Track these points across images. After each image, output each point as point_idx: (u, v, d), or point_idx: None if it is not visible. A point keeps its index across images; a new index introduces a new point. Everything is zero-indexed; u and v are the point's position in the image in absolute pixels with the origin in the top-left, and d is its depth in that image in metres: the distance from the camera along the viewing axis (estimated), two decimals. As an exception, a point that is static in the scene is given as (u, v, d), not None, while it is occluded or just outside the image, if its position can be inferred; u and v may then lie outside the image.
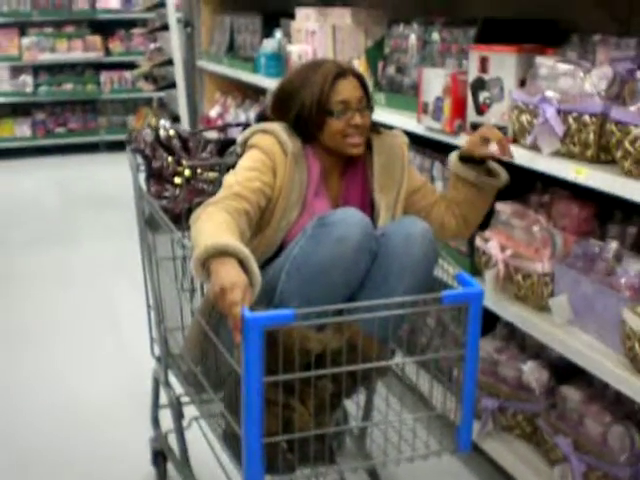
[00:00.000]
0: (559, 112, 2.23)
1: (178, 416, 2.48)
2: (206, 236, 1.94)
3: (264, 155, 2.22)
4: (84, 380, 3.59)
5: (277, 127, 2.25)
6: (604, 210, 2.47)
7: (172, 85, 6.73)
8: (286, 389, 1.91)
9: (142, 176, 2.66)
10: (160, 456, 2.80)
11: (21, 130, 8.79)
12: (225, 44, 5.66)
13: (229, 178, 2.20)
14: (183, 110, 6.50)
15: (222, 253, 1.88)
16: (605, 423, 2.30)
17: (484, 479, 2.79)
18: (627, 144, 2.00)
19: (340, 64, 2.30)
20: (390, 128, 2.47)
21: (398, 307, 1.95)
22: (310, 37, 4.16)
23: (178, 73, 6.50)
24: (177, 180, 2.65)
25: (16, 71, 8.74)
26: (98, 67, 9.05)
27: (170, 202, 2.61)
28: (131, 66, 8.67)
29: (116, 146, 8.49)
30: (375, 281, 2.08)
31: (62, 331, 4.16)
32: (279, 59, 4.59)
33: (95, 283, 4.83)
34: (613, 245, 2.25)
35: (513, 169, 2.45)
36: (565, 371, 2.52)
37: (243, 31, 5.43)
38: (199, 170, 2.66)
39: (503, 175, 2.39)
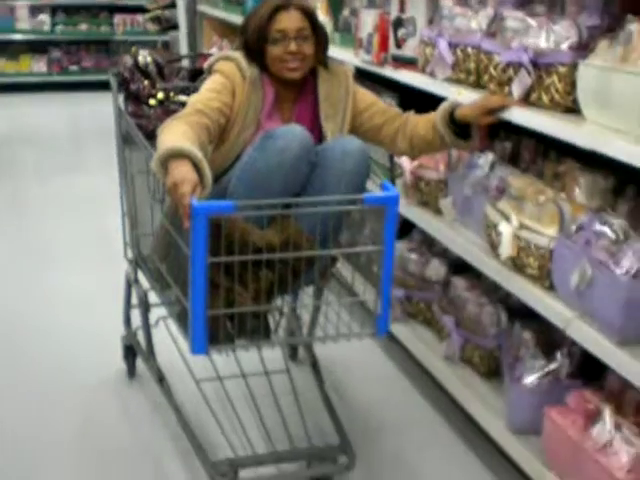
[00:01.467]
0: (450, 45, 2.71)
1: (145, 311, 2.74)
2: (167, 142, 2.21)
3: (225, 79, 2.49)
4: (75, 282, 4.04)
5: (238, 55, 2.53)
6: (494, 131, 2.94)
7: (175, 27, 7.20)
8: (231, 275, 2.20)
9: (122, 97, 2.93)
10: (130, 351, 3.09)
11: (38, 66, 9.35)
12: (221, -11, 6.12)
13: (193, 98, 2.49)
14: (184, 51, 6.97)
15: (178, 155, 2.16)
16: (480, 305, 2.80)
17: (397, 361, 3.29)
18: (492, 69, 2.49)
19: None
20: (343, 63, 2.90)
21: (322, 205, 2.26)
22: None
23: (181, 16, 6.98)
24: (152, 102, 2.88)
25: (35, 10, 9.27)
26: (112, 9, 9.57)
27: (145, 121, 2.83)
28: (143, 10, 9.14)
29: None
30: (314, 189, 2.34)
31: (63, 244, 4.63)
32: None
33: (95, 205, 5.26)
34: (489, 157, 2.73)
35: (420, 96, 2.93)
36: (460, 266, 3.02)
37: (237, -23, 5.87)
38: (172, 93, 2.90)
39: (475, 142, 2.59)
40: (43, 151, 6.82)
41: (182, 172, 2.13)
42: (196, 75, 2.93)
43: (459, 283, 2.93)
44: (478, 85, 2.64)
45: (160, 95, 2.89)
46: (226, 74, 2.50)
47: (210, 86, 2.50)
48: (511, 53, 2.38)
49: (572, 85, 2.23)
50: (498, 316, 2.75)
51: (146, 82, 2.93)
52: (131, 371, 3.12)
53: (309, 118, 2.57)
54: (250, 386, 2.67)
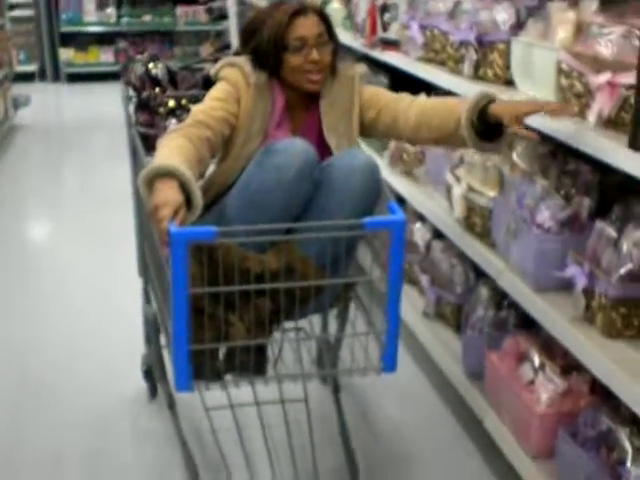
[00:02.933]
0: (421, 27, 2.97)
1: (155, 331, 2.57)
2: (158, 159, 2.04)
3: (230, 86, 2.31)
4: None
5: (243, 60, 2.35)
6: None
7: (225, 16, 7.57)
8: (227, 305, 2.01)
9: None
10: (150, 371, 2.91)
11: (105, 57, 9.87)
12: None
13: (196, 108, 2.30)
14: (234, 39, 7.33)
15: (164, 174, 1.97)
16: (452, 265, 3.05)
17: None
18: (449, 48, 2.74)
19: (302, 2, 2.34)
20: (349, 49, 3.00)
21: (323, 231, 2.04)
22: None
23: (231, 7, 7.33)
24: (161, 110, 2.79)
25: (102, 4, 9.80)
26: (175, 1, 10.00)
27: (155, 131, 2.73)
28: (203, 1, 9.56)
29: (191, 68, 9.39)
30: (317, 209, 2.14)
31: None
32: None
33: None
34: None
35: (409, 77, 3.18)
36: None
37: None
38: (184, 101, 2.81)
39: (500, 143, 2.29)
40: (111, 136, 7.24)
41: (165, 194, 1.94)
42: (210, 82, 2.71)
43: (437, 246, 3.18)
44: (444, 63, 2.90)
45: (171, 103, 2.81)
46: (231, 81, 2.33)
47: (214, 94, 2.34)
48: (461, 33, 2.64)
49: (509, 60, 2.48)
50: (467, 275, 3.00)
51: (157, 90, 2.87)
52: (152, 391, 2.97)
53: (316, 130, 2.39)
54: (264, 415, 2.34)
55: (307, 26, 2.29)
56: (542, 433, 2.25)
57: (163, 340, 2.44)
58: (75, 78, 9.73)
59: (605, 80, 1.88)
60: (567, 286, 2.12)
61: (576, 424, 2.15)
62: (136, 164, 2.58)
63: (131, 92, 2.86)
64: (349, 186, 2.13)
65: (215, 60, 3.26)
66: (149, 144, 2.49)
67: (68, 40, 9.82)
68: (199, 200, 2.00)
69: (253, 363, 2.09)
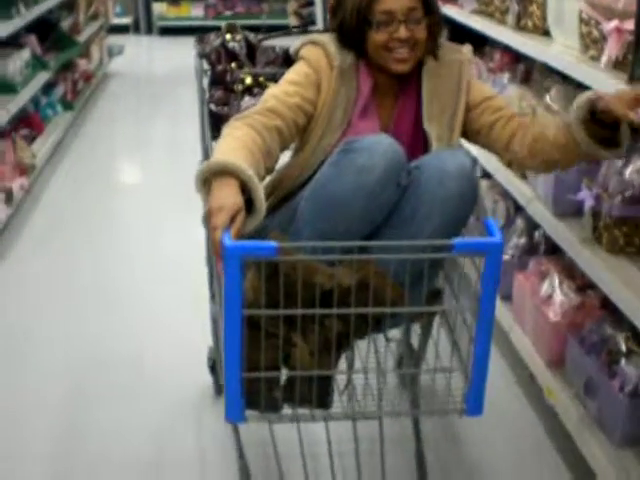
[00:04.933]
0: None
1: (216, 332, 2.48)
2: (217, 153, 1.82)
3: (309, 68, 2.06)
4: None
5: (327, 39, 2.09)
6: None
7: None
8: (289, 323, 1.75)
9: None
10: (215, 366, 2.69)
11: (196, 11, 10.30)
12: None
13: (269, 91, 2.06)
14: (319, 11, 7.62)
15: (222, 172, 1.73)
16: (495, 200, 3.35)
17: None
18: (496, 1, 3.03)
19: None
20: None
21: (405, 250, 1.73)
22: None
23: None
24: (237, 87, 2.53)
25: (194, -41, 10.21)
26: (263, -41, 10.37)
27: (229, 110, 2.49)
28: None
29: (276, 28, 9.74)
30: (402, 217, 1.88)
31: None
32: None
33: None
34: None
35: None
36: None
37: None
38: (262, 79, 2.54)
39: (622, 148, 1.95)
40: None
41: (221, 197, 1.70)
42: (291, 59, 2.41)
43: (483, 185, 3.49)
44: (493, 16, 3.18)
45: (248, 80, 2.53)
46: (311, 63, 2.07)
47: (291, 77, 2.07)
48: (506, -14, 2.93)
49: (546, 12, 2.76)
50: (508, 210, 3.30)
51: (233, 65, 2.58)
52: (218, 388, 2.73)
53: (411, 119, 2.11)
54: (332, 429, 2.07)
55: None
56: (555, 340, 2.56)
57: None
58: (167, 31, 10.20)
59: (614, 26, 2.16)
60: (582, 211, 2.42)
61: (584, 333, 2.46)
62: (204, 148, 2.38)
63: (206, 65, 2.58)
64: (440, 194, 1.84)
65: (303, 32, 3.05)
66: (221, 124, 2.21)
67: (162, -6, 10.30)
68: (262, 203, 1.75)
69: (316, 394, 1.80)
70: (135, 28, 10.38)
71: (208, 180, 1.75)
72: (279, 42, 2.70)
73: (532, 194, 2.72)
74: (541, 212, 2.61)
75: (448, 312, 1.97)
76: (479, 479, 2.44)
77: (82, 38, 6.52)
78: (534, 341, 2.67)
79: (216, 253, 1.67)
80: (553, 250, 2.88)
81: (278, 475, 2.10)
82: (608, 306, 2.48)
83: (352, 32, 2.04)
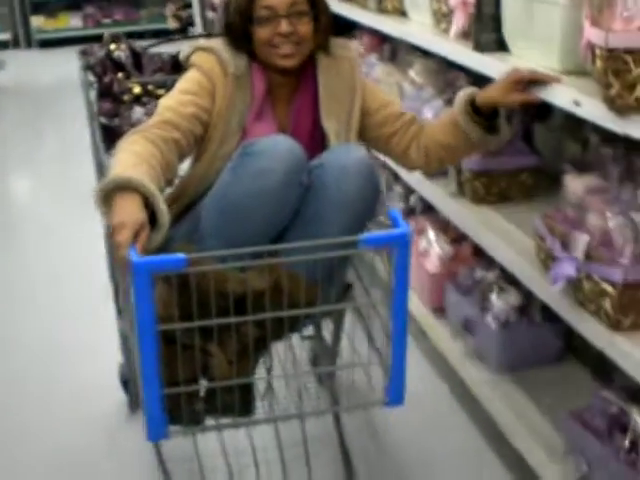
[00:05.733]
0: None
1: (127, 348, 2.40)
2: (116, 168, 1.76)
3: (203, 76, 2.02)
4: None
5: (219, 44, 2.05)
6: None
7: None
8: (204, 333, 1.73)
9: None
10: (127, 383, 2.65)
11: (74, 22, 10.34)
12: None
13: (163, 102, 2.01)
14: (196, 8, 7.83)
15: (123, 188, 1.69)
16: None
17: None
18: None
19: None
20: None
21: (313, 250, 1.72)
22: None
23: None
24: (126, 97, 2.48)
25: (69, -30, 10.26)
26: (139, -34, 10.48)
27: (119, 121, 2.47)
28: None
29: (158, 34, 9.81)
30: (306, 217, 1.87)
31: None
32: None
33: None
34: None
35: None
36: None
37: None
38: (150, 87, 2.51)
39: (505, 132, 2.14)
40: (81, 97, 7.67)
41: (123, 213, 1.67)
42: (180, 64, 2.37)
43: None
44: (357, 2, 3.43)
45: (137, 89, 2.50)
46: (204, 70, 2.03)
47: (184, 86, 2.03)
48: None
49: None
50: (387, 179, 3.57)
51: (120, 75, 2.55)
52: (132, 404, 2.65)
53: (310, 117, 2.10)
54: (255, 433, 2.08)
55: None
56: (435, 289, 2.83)
57: None
58: (47, 44, 10.20)
59: (459, 1, 2.44)
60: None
61: (459, 279, 2.74)
62: (97, 163, 2.28)
63: (91, 77, 2.50)
64: (343, 190, 1.84)
65: (186, 37, 3.23)
66: (112, 137, 2.22)
67: (38, 8, 10.26)
68: (166, 218, 1.72)
69: (238, 402, 1.79)
70: (14, 43, 10.33)
71: (108, 196, 1.71)
72: (165, 49, 2.67)
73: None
74: (415, 177, 2.88)
75: (360, 306, 2.03)
76: (407, 467, 2.45)
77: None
78: (419, 293, 2.93)
79: (122, 270, 1.66)
80: (428, 210, 3.16)
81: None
82: (479, 253, 2.77)
83: (238, 31, 2.03)
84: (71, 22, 10.33)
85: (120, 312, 2.44)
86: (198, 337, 1.72)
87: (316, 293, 1.81)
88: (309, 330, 2.24)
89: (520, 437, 2.24)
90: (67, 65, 9.18)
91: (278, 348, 2.00)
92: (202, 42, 2.10)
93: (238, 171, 1.82)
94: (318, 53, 2.09)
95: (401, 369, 1.82)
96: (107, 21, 10.40)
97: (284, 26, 1.97)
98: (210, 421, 1.84)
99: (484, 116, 2.11)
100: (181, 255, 1.61)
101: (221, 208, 1.84)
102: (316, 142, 2.03)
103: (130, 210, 1.67)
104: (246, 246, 1.75)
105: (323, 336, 2.36)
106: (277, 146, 1.82)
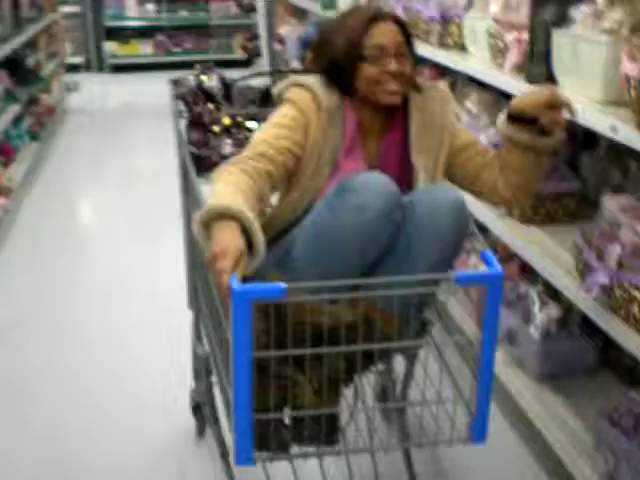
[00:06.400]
0: (404, 9, 3.78)
1: (206, 372, 2.37)
2: (215, 197, 1.84)
3: (297, 112, 2.07)
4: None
5: (313, 81, 2.10)
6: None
7: (253, 9, 8.44)
8: (295, 363, 1.79)
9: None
10: (199, 408, 2.69)
11: (145, 49, 10.80)
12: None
13: (257, 135, 2.07)
14: (262, 29, 8.20)
15: (223, 216, 1.76)
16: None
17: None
18: (421, 23, 3.55)
19: (380, 8, 2.17)
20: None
21: (404, 286, 1.78)
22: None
23: (259, 1, 8.19)
24: (216, 128, 2.53)
25: (143, 1, 10.72)
26: (208, -3, 10.95)
27: (208, 151, 2.51)
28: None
29: (224, 64, 10.20)
30: (397, 253, 1.92)
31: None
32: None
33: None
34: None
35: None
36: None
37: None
38: (239, 119, 2.57)
39: (557, 132, 2.09)
40: (151, 120, 7.86)
41: (224, 240, 1.73)
42: (268, 97, 2.55)
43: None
44: (419, 37, 3.69)
45: (226, 121, 2.55)
46: (299, 106, 2.08)
47: (278, 120, 2.09)
48: (430, 10, 3.46)
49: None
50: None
51: (210, 106, 2.61)
52: (201, 430, 2.73)
53: (397, 153, 2.15)
54: (327, 468, 2.23)
55: (386, 34, 2.07)
56: (481, 302, 3.03)
57: (214, 378, 2.29)
58: (118, 69, 10.66)
59: (514, 37, 2.69)
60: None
61: (504, 292, 2.95)
62: (187, 187, 2.38)
63: (181, 106, 2.60)
64: (434, 228, 1.88)
65: (272, 73, 3.25)
66: (201, 166, 2.35)
67: (112, 34, 10.73)
68: (262, 246, 1.78)
69: (324, 432, 1.85)
70: (87, 67, 10.81)
71: (207, 224, 1.78)
72: (256, 82, 2.75)
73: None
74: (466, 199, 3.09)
75: (439, 344, 2.07)
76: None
77: (44, 74, 6.96)
78: (469, 311, 3.14)
79: (222, 297, 1.72)
80: (480, 230, 3.37)
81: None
82: (525, 269, 2.98)
83: (342, 69, 2.07)
84: (142, 49, 10.78)
85: (199, 337, 2.51)
86: (290, 368, 1.78)
87: (406, 328, 1.88)
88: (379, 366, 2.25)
89: (554, 434, 2.45)
90: (136, 90, 9.72)
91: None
92: (296, 78, 2.14)
93: (335, 206, 1.87)
94: (410, 91, 2.15)
95: (486, 406, 1.85)
96: (177, 49, 10.82)
97: (393, 65, 2.05)
98: (295, 449, 1.90)
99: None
100: (281, 284, 1.67)
101: (317, 241, 1.89)
102: (403, 178, 2.05)
103: (231, 237, 1.73)
104: (338, 279, 1.81)
105: (392, 371, 2.48)
106: (374, 183, 1.87)
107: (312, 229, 1.91)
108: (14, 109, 5.60)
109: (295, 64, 6.20)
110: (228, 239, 1.72)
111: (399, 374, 2.42)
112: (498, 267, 1.74)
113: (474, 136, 2.30)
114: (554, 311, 2.69)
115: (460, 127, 2.25)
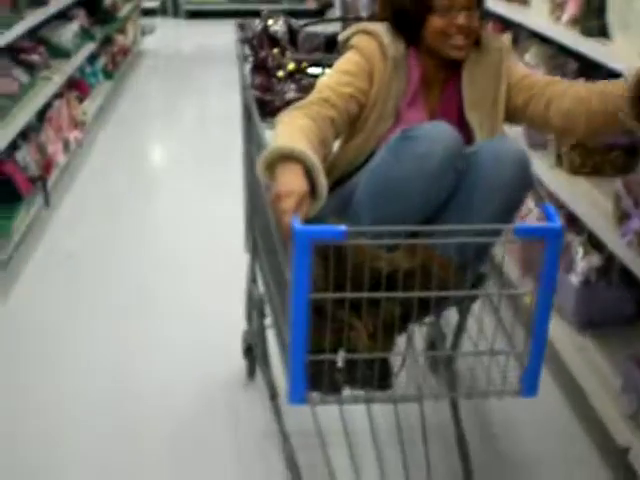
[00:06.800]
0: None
1: (260, 313, 2.43)
2: (279, 139, 1.85)
3: (362, 58, 2.07)
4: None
5: (380, 28, 2.10)
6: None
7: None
8: (352, 307, 1.80)
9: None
10: (250, 351, 2.75)
11: (221, -4, 10.92)
12: None
13: (322, 81, 2.09)
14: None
15: (287, 158, 1.78)
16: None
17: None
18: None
19: None
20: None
21: (465, 234, 1.81)
22: None
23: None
24: (280, 73, 2.53)
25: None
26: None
27: (271, 96, 2.52)
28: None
29: (296, 14, 10.21)
30: (459, 201, 1.92)
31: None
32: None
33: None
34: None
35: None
36: None
37: None
38: (304, 64, 2.56)
39: None
40: (222, 65, 7.76)
41: (288, 181, 1.75)
42: (334, 44, 2.53)
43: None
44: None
45: (290, 66, 2.55)
46: (364, 53, 2.08)
47: (343, 67, 2.09)
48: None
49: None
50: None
51: (275, 50, 2.60)
52: (251, 371, 2.79)
53: (455, 108, 2.14)
54: (375, 415, 2.23)
55: None
56: (527, 252, 3.11)
57: (267, 321, 2.38)
58: (192, 15, 10.82)
59: (573, -11, 2.75)
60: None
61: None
62: (250, 130, 2.39)
63: (247, 50, 2.60)
64: (497, 179, 1.88)
65: (340, 20, 3.28)
66: (264, 110, 2.36)
67: (188, -19, 10.91)
68: (324, 190, 1.79)
69: (377, 376, 1.88)
70: (162, 11, 10.99)
71: (271, 165, 1.80)
72: (321, 28, 2.71)
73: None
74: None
75: (492, 295, 2.06)
76: (520, 461, 2.49)
77: (120, 15, 7.14)
78: (525, 265, 3.19)
79: (284, 237, 1.73)
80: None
81: (324, 462, 2.16)
82: (572, 220, 3.04)
83: (411, 18, 2.05)
84: (216, -3, 10.92)
85: (254, 279, 2.57)
86: (346, 311, 1.80)
87: (464, 277, 1.89)
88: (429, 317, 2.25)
89: (587, 379, 2.53)
90: (210, 35, 9.86)
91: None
92: (364, 25, 2.14)
93: (399, 153, 1.87)
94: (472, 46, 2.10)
95: (539, 360, 1.85)
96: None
97: (462, 18, 2.01)
98: (346, 392, 1.92)
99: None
100: (341, 227, 1.67)
101: (379, 188, 1.90)
102: (461, 132, 1.99)
103: (295, 179, 1.75)
104: (397, 225, 1.83)
105: (441, 323, 2.49)
106: (438, 132, 1.87)
107: (375, 174, 1.92)
108: (90, 47, 5.79)
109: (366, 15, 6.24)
110: (292, 180, 1.74)
111: (450, 327, 2.42)
112: (558, 221, 1.74)
113: (527, 69, 2.22)
114: (595, 260, 2.75)
115: (515, 64, 2.18)
